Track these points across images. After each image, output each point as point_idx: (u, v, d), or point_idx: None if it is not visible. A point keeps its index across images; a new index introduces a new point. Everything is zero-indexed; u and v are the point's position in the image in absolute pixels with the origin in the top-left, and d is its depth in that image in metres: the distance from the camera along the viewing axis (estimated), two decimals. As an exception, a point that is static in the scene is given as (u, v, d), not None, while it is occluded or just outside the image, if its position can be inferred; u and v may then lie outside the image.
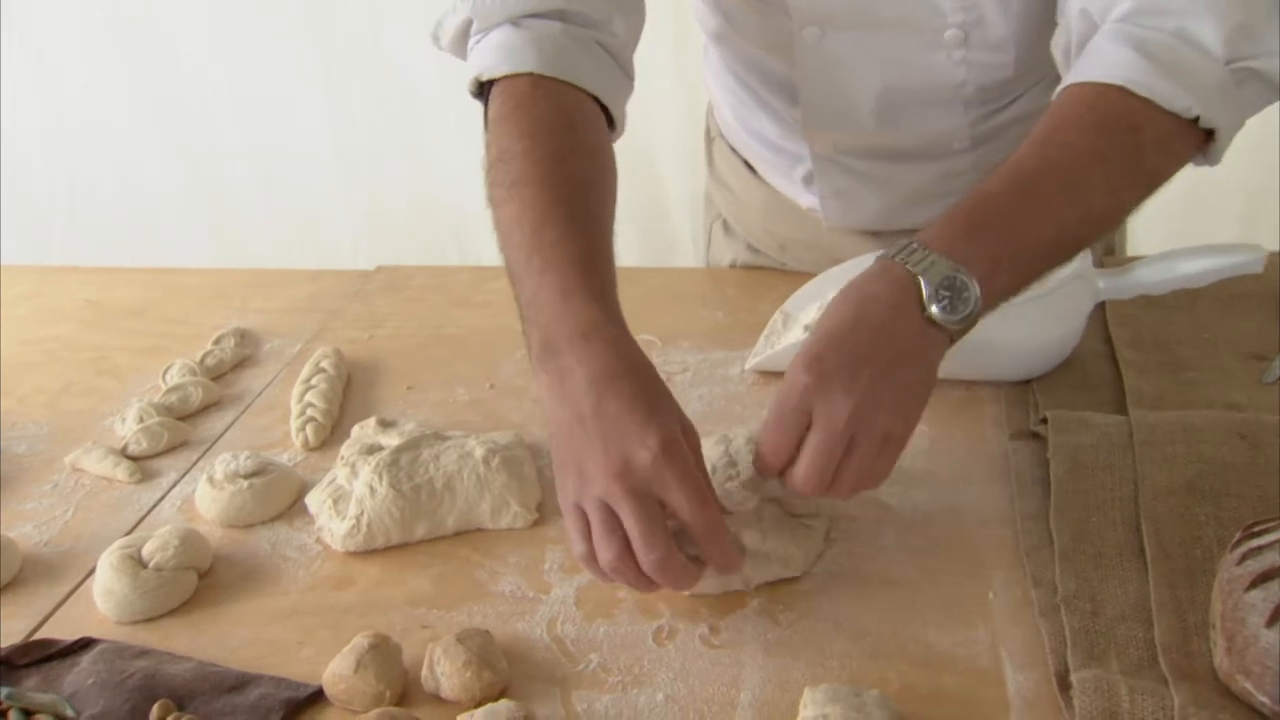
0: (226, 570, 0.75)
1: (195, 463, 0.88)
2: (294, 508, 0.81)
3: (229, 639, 0.68)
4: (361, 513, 0.75)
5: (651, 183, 1.95)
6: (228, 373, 1.03)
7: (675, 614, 0.67)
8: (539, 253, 0.68)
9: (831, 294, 0.93)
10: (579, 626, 0.67)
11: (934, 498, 0.76)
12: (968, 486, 0.77)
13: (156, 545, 0.73)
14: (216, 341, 1.06)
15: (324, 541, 0.76)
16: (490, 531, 0.77)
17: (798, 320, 0.96)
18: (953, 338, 0.64)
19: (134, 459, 0.88)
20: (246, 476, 0.80)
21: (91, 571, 0.74)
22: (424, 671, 0.63)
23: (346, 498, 0.77)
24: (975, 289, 0.63)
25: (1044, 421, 0.80)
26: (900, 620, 0.66)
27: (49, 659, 0.67)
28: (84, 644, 0.68)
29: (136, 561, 0.72)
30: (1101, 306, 0.94)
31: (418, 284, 1.20)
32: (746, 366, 0.96)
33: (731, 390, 0.93)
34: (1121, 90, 0.68)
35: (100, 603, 0.71)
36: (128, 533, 0.79)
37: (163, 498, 0.84)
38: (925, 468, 0.79)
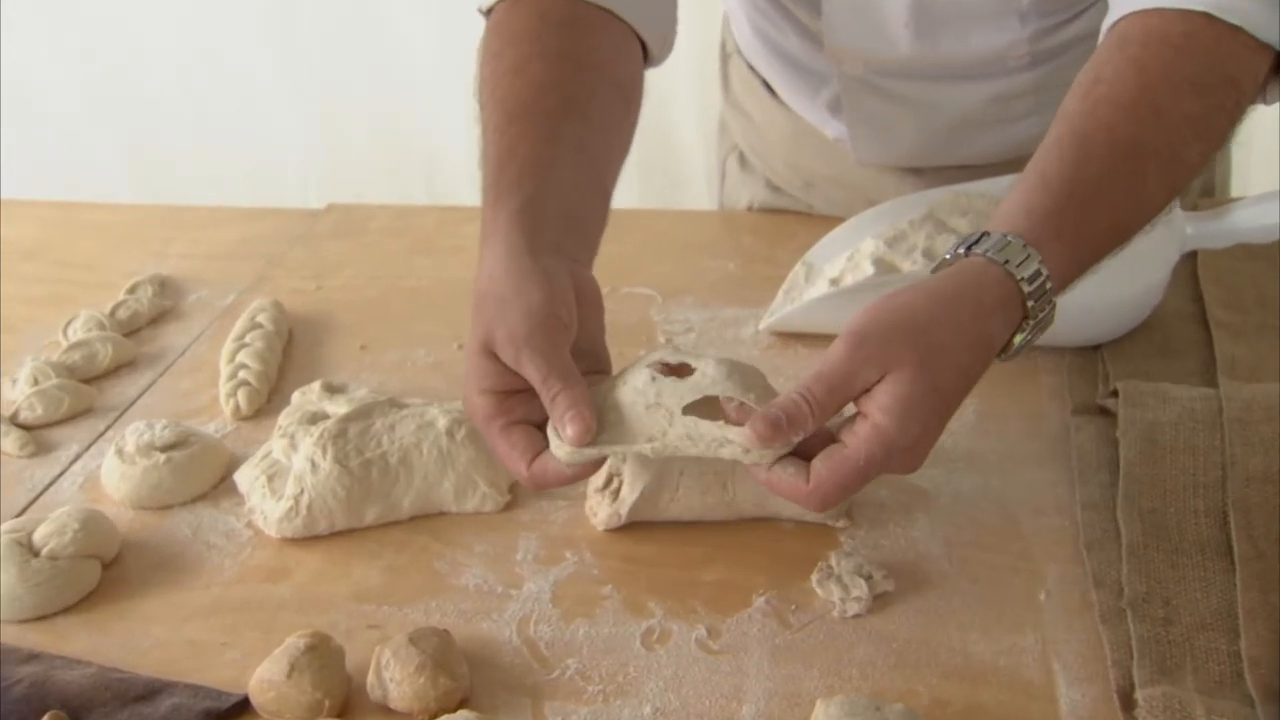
0: (137, 559, 0.75)
1: (102, 433, 0.89)
2: (221, 486, 0.81)
3: (138, 640, 0.69)
4: (301, 492, 0.75)
5: (655, 108, 1.94)
6: (144, 327, 1.03)
7: (668, 614, 0.68)
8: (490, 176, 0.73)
9: (864, 244, 0.95)
10: (555, 627, 0.68)
11: (978, 482, 0.77)
12: (1019, 469, 0.78)
13: (51, 529, 0.73)
14: (131, 290, 1.06)
15: (256, 526, 0.77)
16: (453, 515, 0.77)
17: (823, 273, 0.96)
18: None
19: (26, 428, 0.89)
20: (164, 449, 0.81)
21: (-26, 560, 0.75)
22: (370, 678, 0.63)
23: (284, 474, 0.77)
24: (1051, 322, 0.65)
25: (1114, 394, 0.80)
26: (933, 624, 0.66)
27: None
28: (-37, 646, 0.68)
29: (26, 549, 0.72)
30: (1191, 257, 0.94)
31: (376, 226, 1.20)
32: (761, 326, 0.96)
33: (744, 354, 0.94)
34: (1207, 20, 0.68)
35: (-17, 597, 0.71)
36: (17, 515, 0.80)
37: (61, 474, 0.84)
38: (969, 447, 0.80)
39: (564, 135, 0.74)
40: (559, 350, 0.65)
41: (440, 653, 0.63)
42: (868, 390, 0.61)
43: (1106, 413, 0.80)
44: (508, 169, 0.72)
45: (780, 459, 0.62)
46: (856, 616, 0.67)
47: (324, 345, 0.99)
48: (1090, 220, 0.66)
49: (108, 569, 0.74)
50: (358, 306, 1.04)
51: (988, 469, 0.78)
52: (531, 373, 0.65)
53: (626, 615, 0.68)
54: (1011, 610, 0.67)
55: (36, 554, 0.72)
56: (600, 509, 0.74)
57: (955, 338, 0.62)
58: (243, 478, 0.79)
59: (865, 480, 0.61)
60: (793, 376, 0.90)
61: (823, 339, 0.93)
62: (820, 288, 0.94)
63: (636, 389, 0.65)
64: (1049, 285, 0.64)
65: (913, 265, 0.90)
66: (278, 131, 2.18)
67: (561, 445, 0.64)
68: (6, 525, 0.74)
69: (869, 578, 0.68)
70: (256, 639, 0.68)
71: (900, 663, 0.64)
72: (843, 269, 0.94)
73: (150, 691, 0.64)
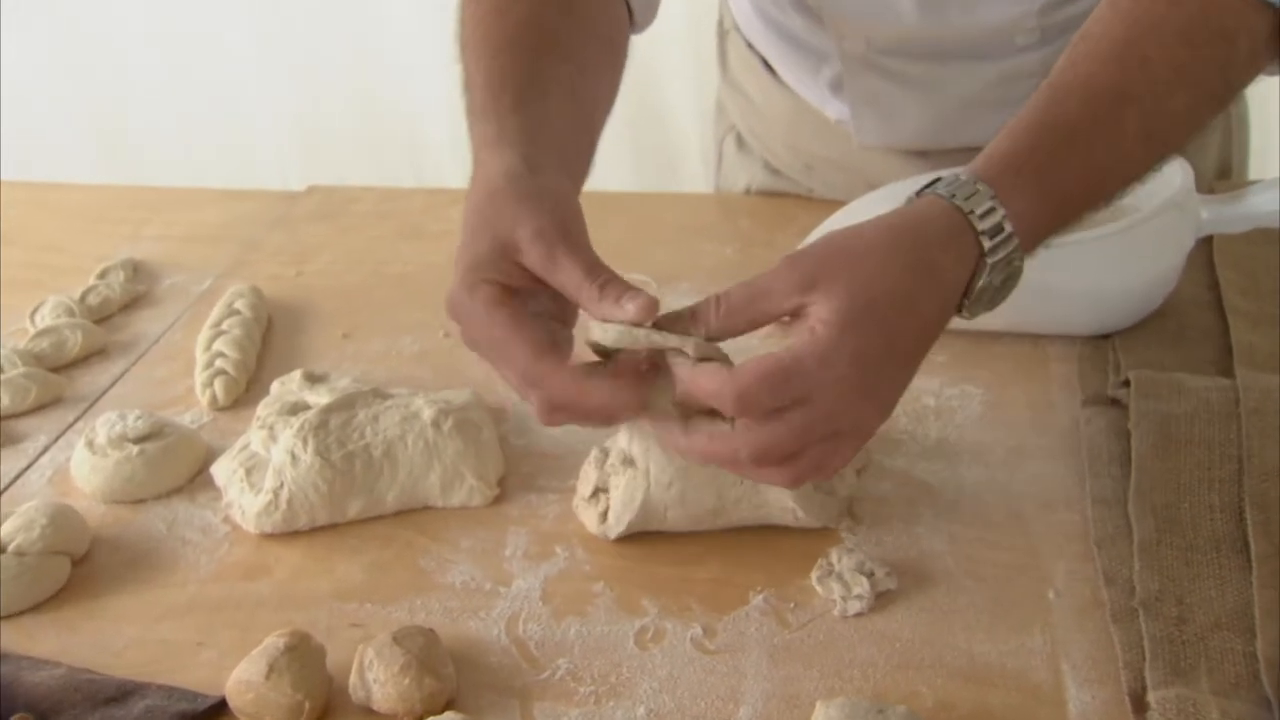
0: (109, 555, 0.75)
1: (72, 424, 0.88)
2: (197, 479, 0.81)
3: (110, 639, 0.69)
4: (280, 485, 0.75)
5: (649, 87, 1.94)
6: (115, 314, 1.03)
7: (662, 612, 0.68)
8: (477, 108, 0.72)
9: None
10: (545, 626, 0.67)
11: (985, 476, 0.76)
12: (1027, 462, 0.78)
13: (19, 524, 0.73)
14: (102, 275, 1.06)
15: (234, 521, 0.77)
16: (439, 510, 0.77)
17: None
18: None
19: (-6, 418, 0.88)
20: (137, 441, 0.80)
21: (-61, 556, 0.74)
22: (352, 678, 0.63)
23: (263, 467, 0.77)
24: (1021, 272, 0.64)
25: (1126, 384, 0.80)
26: (937, 623, 0.66)
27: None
28: (-74, 645, 0.68)
29: (-7, 544, 0.72)
30: (1207, 242, 0.94)
31: (359, 209, 1.20)
32: (760, 314, 0.96)
33: (741, 343, 0.92)
34: None
35: (-52, 595, 0.71)
36: (-15, 509, 0.79)
37: (29, 466, 0.84)
38: (975, 440, 0.80)
39: (552, 73, 0.73)
40: (590, 248, 0.64)
41: (425, 652, 0.62)
42: (800, 314, 0.61)
43: (1118, 404, 0.80)
44: (502, 94, 0.71)
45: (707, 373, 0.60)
46: (858, 615, 0.66)
47: (304, 333, 0.98)
48: (1058, 163, 0.65)
49: (78, 566, 0.74)
50: (340, 293, 1.03)
51: (994, 462, 0.78)
52: (571, 266, 0.62)
53: (619, 613, 0.68)
54: (1019, 609, 0.66)
55: (2, 550, 0.72)
56: (588, 520, 0.74)
57: (893, 258, 0.61)
58: (220, 471, 0.79)
59: (794, 390, 0.59)
60: (792, 366, 0.90)
61: (823, 327, 0.93)
62: (821, 274, 0.93)
63: None
64: (1007, 225, 0.63)
65: (917, 250, 0.90)
66: (255, 109, 2.16)
67: (610, 327, 0.61)
68: (-30, 521, 0.74)
69: (871, 575, 0.68)
70: (234, 638, 0.68)
71: (903, 664, 0.64)
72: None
73: (122, 693, 0.64)
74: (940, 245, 0.62)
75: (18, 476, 0.83)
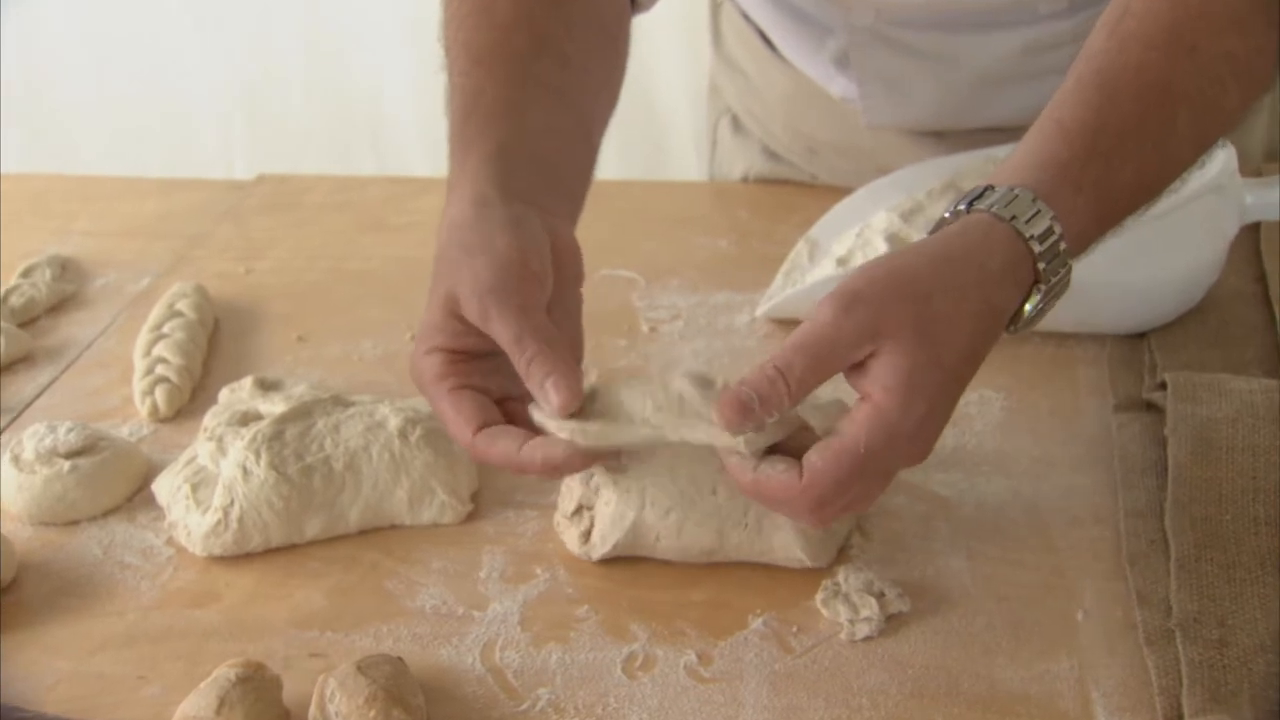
0: (38, 583, 0.76)
1: (-3, 437, 0.89)
2: (137, 498, 0.82)
3: (40, 673, 0.69)
4: (231, 503, 0.76)
5: (635, 66, 1.95)
6: (41, 316, 1.04)
7: (653, 637, 0.69)
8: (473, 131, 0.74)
9: (875, 218, 0.96)
10: (524, 653, 0.69)
11: (1007, 488, 0.78)
12: (1053, 473, 0.79)
13: (-63, 549, 0.73)
14: (25, 274, 1.07)
15: (178, 543, 0.78)
16: (408, 529, 0.78)
17: (829, 251, 0.98)
18: None
19: (-89, 432, 0.89)
20: (69, 455, 0.81)
21: None
22: (312, 711, 0.64)
23: (211, 483, 0.78)
24: (1068, 286, 0.66)
25: (1162, 387, 0.81)
26: (954, 648, 0.67)
27: None
28: None
29: (-94, 571, 0.73)
30: (1252, 230, 0.95)
31: (314, 200, 1.21)
32: (758, 312, 0.97)
33: (737, 344, 0.95)
34: None
35: None
36: (-103, 531, 0.80)
37: (-53, 485, 0.85)
38: (996, 449, 0.81)
39: (537, 77, 0.75)
40: (533, 306, 0.66)
41: (393, 682, 0.63)
42: (861, 367, 0.62)
43: (1154, 408, 0.81)
44: (474, 114, 0.73)
45: (768, 456, 0.63)
46: (867, 639, 0.68)
47: (255, 336, 0.99)
48: (1113, 173, 0.67)
49: (4, 594, 0.75)
50: (294, 292, 1.04)
51: (1018, 473, 0.79)
52: (501, 330, 0.65)
53: (605, 639, 0.69)
54: (1044, 632, 0.68)
55: (-79, 576, 0.72)
56: (569, 539, 0.75)
57: (959, 305, 0.62)
58: (162, 488, 0.80)
59: (867, 476, 0.62)
60: (795, 369, 0.91)
61: (830, 326, 0.94)
62: (826, 268, 0.95)
63: (643, 388, 0.66)
64: (1063, 246, 0.65)
65: (932, 241, 0.92)
66: (196, 87, 2.16)
67: (548, 418, 0.65)
68: (-116, 544, 0.74)
69: (881, 596, 0.69)
70: (179, 671, 0.69)
71: (916, 691, 0.65)
72: (851, 247, 0.95)
73: (57, 731, 0.65)
74: (1001, 278, 0.64)
75: (-65, 496, 0.83)
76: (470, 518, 0.79)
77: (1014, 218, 0.64)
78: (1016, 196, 0.65)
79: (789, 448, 0.64)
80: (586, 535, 0.74)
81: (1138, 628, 0.67)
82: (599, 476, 0.74)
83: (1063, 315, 0.87)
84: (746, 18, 1.14)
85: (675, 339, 0.96)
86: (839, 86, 1.08)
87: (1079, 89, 0.69)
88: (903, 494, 0.78)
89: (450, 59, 0.77)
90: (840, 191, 1.01)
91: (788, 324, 0.96)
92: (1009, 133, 1.02)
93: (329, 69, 2.13)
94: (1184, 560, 0.69)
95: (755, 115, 1.19)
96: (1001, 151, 0.98)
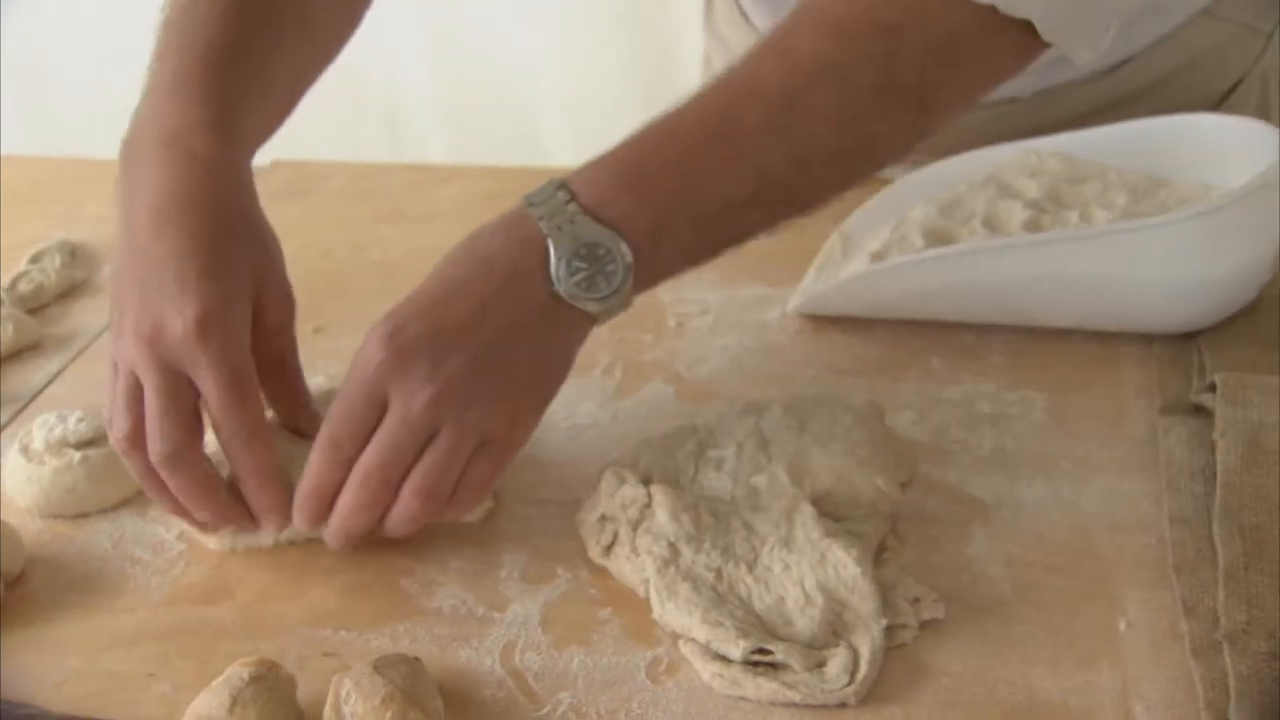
0: (47, 577, 0.77)
1: (2, 427, 0.91)
2: (146, 491, 0.83)
3: (48, 671, 0.70)
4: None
5: (650, 38, 1.96)
6: (51, 304, 1.05)
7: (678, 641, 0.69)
8: (177, 34, 0.80)
9: (912, 211, 0.97)
10: (545, 656, 0.69)
11: (1048, 492, 0.78)
12: (1097, 478, 0.79)
13: (-55, 540, 0.74)
14: (34, 259, 1.08)
15: (190, 538, 0.79)
16: (425, 525, 0.78)
17: (863, 245, 0.98)
18: (596, 318, 0.72)
19: (-86, 420, 0.90)
20: (79, 446, 0.82)
21: None
22: (327, 712, 0.64)
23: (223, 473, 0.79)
24: (625, 260, 0.70)
25: (1211, 389, 0.82)
26: (991, 656, 0.67)
27: None
28: None
29: (-87, 563, 0.74)
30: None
31: (333, 187, 1.22)
32: (789, 308, 0.98)
33: (768, 340, 0.96)
34: None
35: None
36: (-100, 523, 0.81)
37: (-47, 474, 0.86)
38: (1037, 452, 0.81)
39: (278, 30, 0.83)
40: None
41: (410, 683, 0.64)
42: None
43: (1202, 411, 0.82)
44: (222, 51, 0.79)
45: None
46: (900, 646, 0.68)
47: None
48: (646, 148, 0.72)
49: (11, 588, 0.76)
50: (311, 282, 1.03)
51: (1059, 477, 0.79)
52: (291, 349, 0.77)
53: (629, 643, 0.70)
54: (1085, 642, 0.68)
55: (-73, 568, 0.73)
56: (590, 545, 0.76)
57: (444, 261, 0.72)
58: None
59: (377, 400, 0.68)
60: (826, 367, 0.92)
61: (863, 324, 0.95)
62: (860, 263, 0.95)
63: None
64: (566, 201, 0.70)
65: (970, 235, 0.92)
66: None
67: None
68: (-111, 535, 0.75)
69: (915, 601, 0.70)
70: (190, 669, 0.69)
71: (952, 701, 0.65)
72: (887, 241, 0.95)
73: (65, 729, 0.65)
74: (489, 236, 0.71)
75: (-60, 486, 0.85)
76: (490, 515, 0.79)
77: (529, 198, 0.72)
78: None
79: None
80: (607, 549, 0.75)
81: (1183, 639, 0.67)
82: (630, 506, 0.75)
83: (1107, 313, 0.89)
84: None
85: (704, 334, 0.96)
86: None
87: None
88: (937, 496, 0.78)
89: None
90: (877, 182, 1.02)
91: (819, 320, 0.96)
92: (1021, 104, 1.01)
93: (346, 50, 2.14)
94: (1232, 569, 0.69)
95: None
96: (1044, 144, 0.99)
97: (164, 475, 0.71)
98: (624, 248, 0.70)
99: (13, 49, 2.21)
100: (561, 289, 0.70)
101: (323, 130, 2.16)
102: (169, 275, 0.71)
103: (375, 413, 0.69)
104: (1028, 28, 0.73)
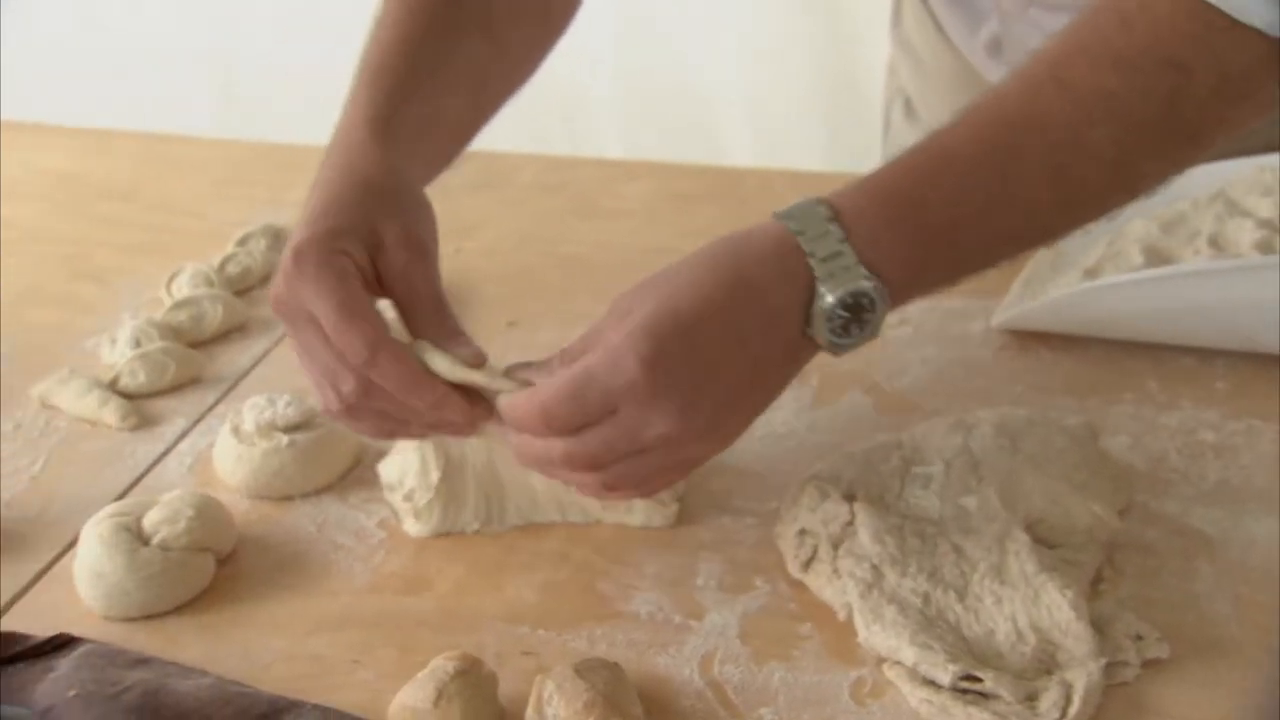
0: (255, 556, 0.79)
1: (212, 407, 0.93)
2: (349, 477, 0.85)
3: (257, 651, 0.72)
4: (442, 479, 0.78)
5: (842, 45, 1.94)
6: (256, 286, 1.07)
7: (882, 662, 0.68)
8: (370, 33, 0.86)
9: (1131, 225, 0.93)
10: (745, 669, 0.69)
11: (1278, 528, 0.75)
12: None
13: (163, 516, 0.77)
14: (241, 242, 1.11)
15: (390, 526, 0.80)
16: (618, 528, 0.79)
17: (1075, 261, 0.95)
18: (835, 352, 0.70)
19: (128, 396, 0.93)
20: (287, 430, 0.84)
21: (71, 545, 0.79)
22: (529, 712, 0.65)
23: (430, 468, 0.79)
24: (882, 308, 0.67)
25: None
26: (1221, 701, 0.64)
27: (14, 660, 0.71)
28: (61, 643, 0.72)
29: (135, 536, 0.76)
30: None
31: (524, 179, 1.23)
32: (994, 323, 0.96)
33: (970, 354, 0.93)
34: None
35: (84, 589, 0.75)
36: (119, 496, 0.84)
37: (167, 451, 0.89)
38: (1265, 484, 0.78)
39: (462, 53, 0.84)
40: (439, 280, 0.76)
41: (612, 689, 0.64)
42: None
43: None
44: (383, 74, 0.82)
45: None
46: (1122, 684, 0.66)
47: (465, 319, 0.97)
48: (927, 188, 0.68)
49: (222, 565, 0.78)
50: (504, 274, 1.06)
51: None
52: (425, 286, 0.73)
53: (831, 661, 0.69)
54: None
55: (146, 543, 0.75)
56: (789, 557, 0.75)
57: (706, 274, 0.67)
58: (389, 469, 0.82)
59: (593, 399, 0.65)
60: (1033, 385, 0.90)
61: (1072, 341, 0.92)
62: (1072, 279, 0.92)
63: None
64: (845, 249, 0.66)
65: (1194, 255, 0.88)
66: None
67: (444, 356, 0.70)
68: (111, 508, 0.78)
69: (1137, 639, 0.67)
70: (392, 658, 0.71)
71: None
72: (1101, 257, 0.92)
73: (275, 710, 0.67)
74: (757, 261, 0.67)
75: (156, 462, 0.88)
76: (684, 521, 0.79)
77: (789, 216, 0.68)
78: (802, 201, 0.68)
79: None
80: (806, 564, 0.74)
81: None
82: (833, 528, 0.74)
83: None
84: (924, 1, 1.13)
85: (903, 345, 0.94)
86: (993, 73, 1.05)
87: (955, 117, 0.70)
88: (1156, 527, 0.76)
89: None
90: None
91: (1024, 335, 0.94)
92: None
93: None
94: None
95: (925, 100, 1.18)
96: (1274, 159, 0.95)
97: (375, 377, 0.70)
98: (883, 297, 0.67)
99: (210, 32, 2.29)
100: (817, 335, 0.68)
101: (503, 122, 2.20)
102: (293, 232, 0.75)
103: (602, 414, 0.66)
104: None
